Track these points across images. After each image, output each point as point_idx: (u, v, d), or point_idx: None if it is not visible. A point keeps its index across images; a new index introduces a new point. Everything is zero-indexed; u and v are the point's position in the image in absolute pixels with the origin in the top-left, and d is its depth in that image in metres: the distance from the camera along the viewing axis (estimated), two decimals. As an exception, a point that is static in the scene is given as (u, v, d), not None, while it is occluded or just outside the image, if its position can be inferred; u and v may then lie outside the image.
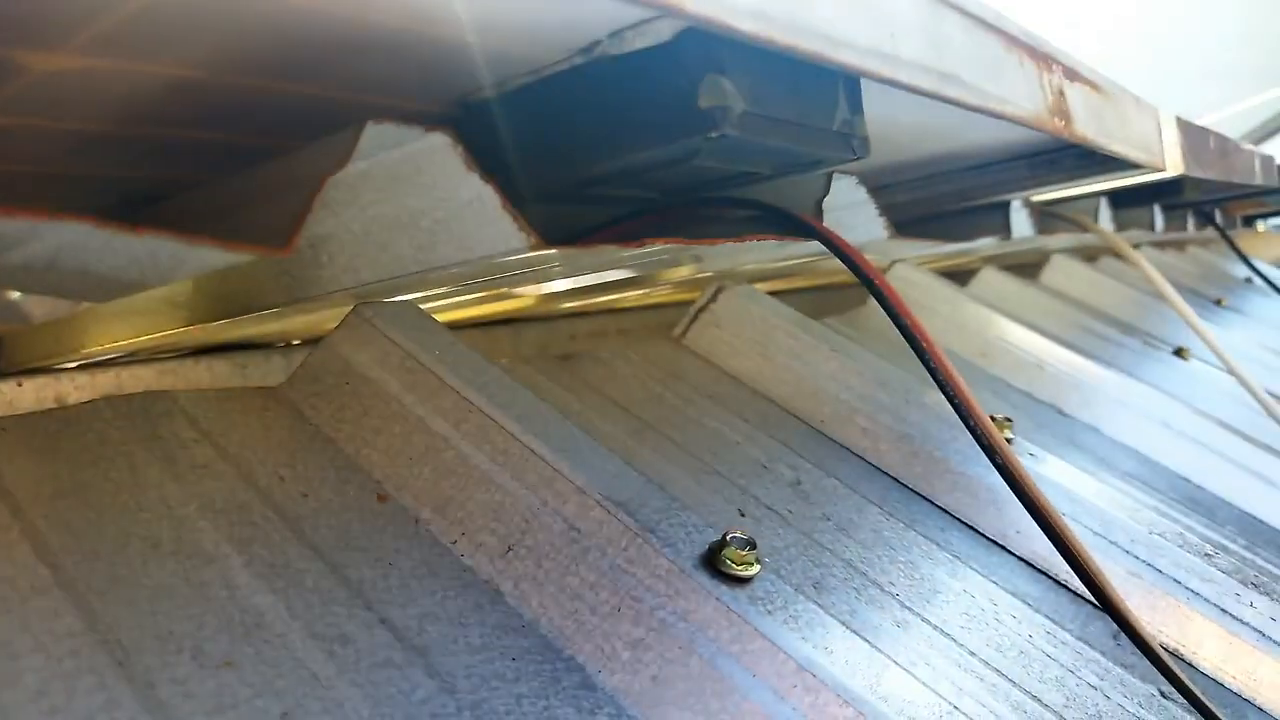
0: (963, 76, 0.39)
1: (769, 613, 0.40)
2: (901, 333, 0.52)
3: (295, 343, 0.86)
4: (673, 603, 0.40)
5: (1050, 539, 0.52)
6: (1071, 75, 0.52)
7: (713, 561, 0.41)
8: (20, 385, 0.68)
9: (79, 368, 0.71)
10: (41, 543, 0.37)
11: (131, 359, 0.76)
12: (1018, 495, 0.51)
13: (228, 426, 0.47)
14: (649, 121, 0.41)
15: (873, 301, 0.96)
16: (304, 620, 0.36)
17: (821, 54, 0.30)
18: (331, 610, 0.37)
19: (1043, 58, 0.49)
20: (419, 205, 0.39)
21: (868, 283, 0.52)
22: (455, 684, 0.35)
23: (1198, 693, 0.47)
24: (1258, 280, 1.82)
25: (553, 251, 0.42)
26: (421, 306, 0.59)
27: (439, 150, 0.36)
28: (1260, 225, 2.32)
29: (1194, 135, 0.83)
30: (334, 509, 0.44)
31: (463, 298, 0.70)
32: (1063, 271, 1.35)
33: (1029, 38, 0.47)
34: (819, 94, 0.43)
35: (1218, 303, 1.64)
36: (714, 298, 0.77)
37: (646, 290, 0.96)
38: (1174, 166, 0.76)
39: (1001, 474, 0.51)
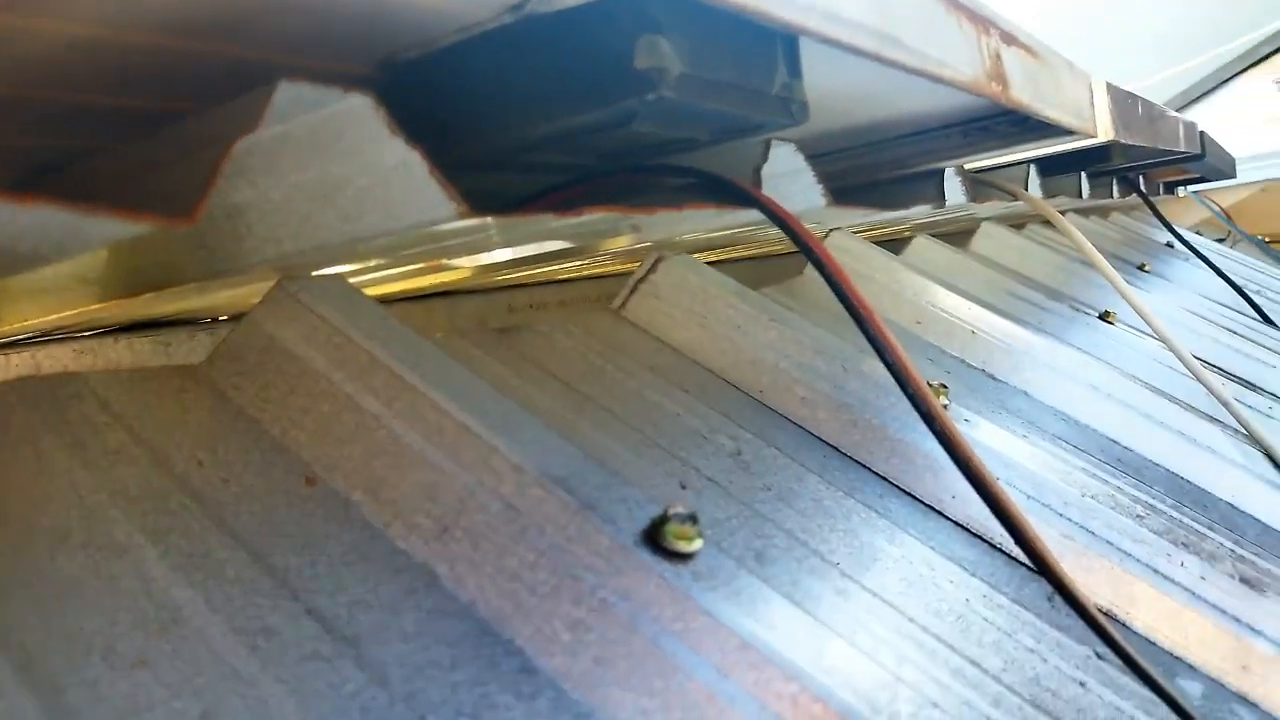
0: (904, 38, 0.38)
1: (712, 589, 0.39)
2: (841, 300, 0.52)
3: (222, 318, 0.83)
4: (614, 581, 0.39)
5: (987, 503, 0.52)
6: (1009, 39, 0.52)
7: (654, 538, 0.40)
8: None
9: (-8, 348, 0.67)
10: (-64, 538, 0.34)
11: (48, 339, 0.72)
12: (955, 461, 0.51)
13: (142, 409, 0.45)
14: (583, 84, 0.40)
15: (810, 271, 0.96)
16: (224, 614, 0.34)
17: (761, 10, 0.29)
18: (254, 602, 0.36)
19: (981, 20, 0.48)
20: (341, 172, 0.37)
21: (807, 251, 0.51)
22: (387, 674, 0.34)
23: (1131, 651, 0.47)
24: (1179, 245, 1.87)
25: (485, 220, 0.40)
26: (353, 280, 0.57)
27: (360, 113, 0.34)
28: (1181, 191, 2.39)
29: (1124, 101, 0.84)
30: (258, 494, 0.42)
31: (395, 270, 0.68)
32: (992, 239, 1.37)
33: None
34: (758, 56, 0.42)
35: (1141, 268, 1.68)
36: (653, 268, 0.76)
37: (586, 260, 0.95)
38: (1105, 132, 0.77)
39: (939, 440, 0.51)
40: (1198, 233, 2.45)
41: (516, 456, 0.42)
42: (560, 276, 1.09)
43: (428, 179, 0.35)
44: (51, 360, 0.72)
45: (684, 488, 0.55)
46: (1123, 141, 0.82)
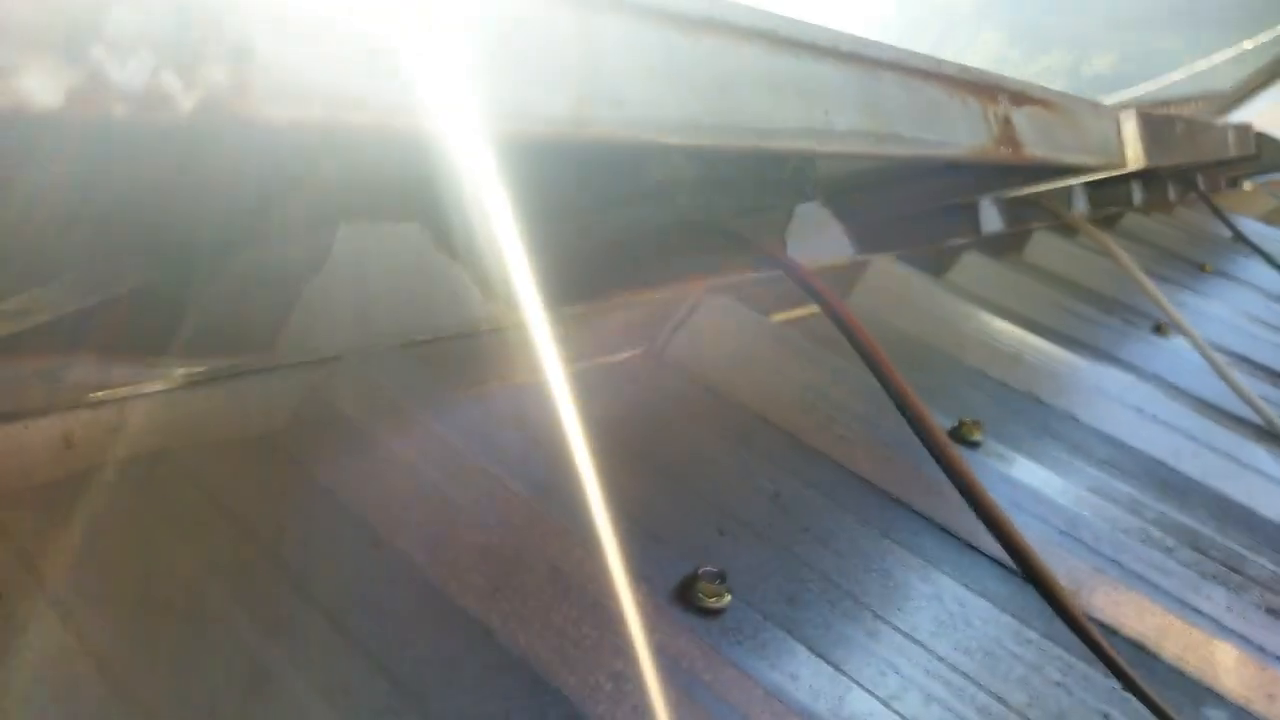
0: (901, 131, 0.41)
1: (739, 642, 0.43)
2: (861, 357, 0.55)
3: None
4: (650, 636, 0.43)
5: (998, 540, 0.54)
6: (1019, 100, 0.54)
7: (686, 595, 0.44)
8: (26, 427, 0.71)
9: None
10: (67, 613, 0.40)
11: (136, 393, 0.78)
12: (969, 503, 0.54)
13: (229, 481, 0.50)
14: (610, 191, 0.44)
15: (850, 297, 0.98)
16: (307, 673, 0.39)
17: (753, 146, 0.33)
18: (332, 662, 0.40)
19: (987, 91, 0.51)
20: (395, 284, 0.41)
21: (831, 313, 0.55)
22: (449, 728, 0.39)
23: (1138, 680, 0.50)
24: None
25: (536, 315, 0.44)
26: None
27: (410, 236, 0.39)
28: (1247, 185, 2.33)
29: (1157, 126, 0.85)
30: (332, 558, 0.47)
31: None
32: (1044, 247, 1.37)
33: (970, 74, 0.49)
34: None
35: (1202, 268, 1.66)
36: (692, 310, 0.79)
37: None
38: (1135, 162, 0.78)
39: (957, 488, 0.54)
40: (1268, 222, 2.39)
41: (560, 520, 0.47)
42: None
43: (472, 288, 0.40)
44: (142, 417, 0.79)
45: (721, 534, 0.58)
46: (1158, 165, 0.83)
